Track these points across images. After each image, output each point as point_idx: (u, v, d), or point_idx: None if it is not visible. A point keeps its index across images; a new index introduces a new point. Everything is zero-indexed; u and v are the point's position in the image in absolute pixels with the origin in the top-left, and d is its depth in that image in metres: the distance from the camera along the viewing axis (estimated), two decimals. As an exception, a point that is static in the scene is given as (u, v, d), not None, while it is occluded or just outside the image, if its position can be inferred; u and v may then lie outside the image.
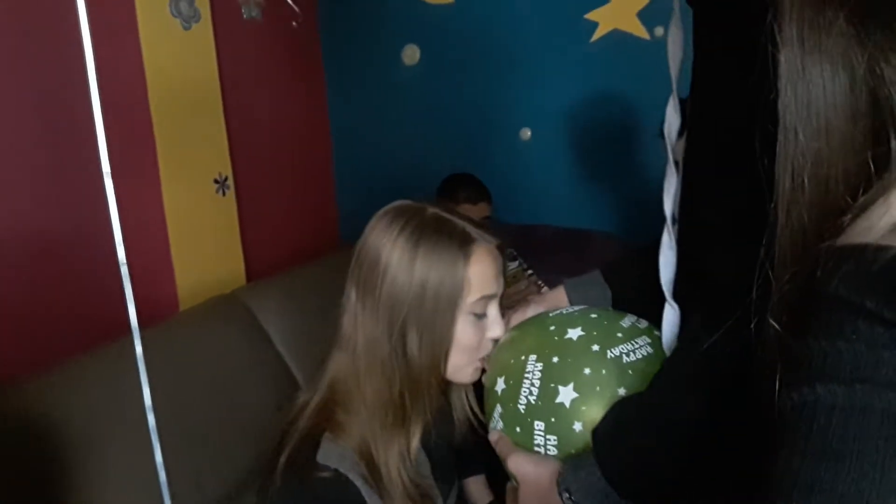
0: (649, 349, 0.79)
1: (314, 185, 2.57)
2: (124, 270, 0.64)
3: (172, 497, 1.01)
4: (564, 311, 0.88)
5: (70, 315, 1.54)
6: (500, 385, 0.82)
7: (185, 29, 1.83)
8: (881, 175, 0.38)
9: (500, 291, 0.93)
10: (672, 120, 0.79)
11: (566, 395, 0.75)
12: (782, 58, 0.41)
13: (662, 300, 0.75)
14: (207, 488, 1.40)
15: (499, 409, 0.82)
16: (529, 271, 2.08)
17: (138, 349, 0.65)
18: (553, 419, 0.75)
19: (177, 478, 1.27)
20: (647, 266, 0.78)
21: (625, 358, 0.77)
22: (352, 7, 2.57)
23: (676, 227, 0.79)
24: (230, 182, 1.99)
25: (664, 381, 0.71)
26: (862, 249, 0.37)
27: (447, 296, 0.86)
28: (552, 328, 0.83)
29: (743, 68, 0.46)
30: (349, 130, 2.68)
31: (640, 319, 0.84)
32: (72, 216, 1.54)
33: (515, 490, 0.78)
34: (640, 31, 2.31)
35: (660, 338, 0.80)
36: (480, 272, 0.88)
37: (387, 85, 2.62)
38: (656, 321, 0.79)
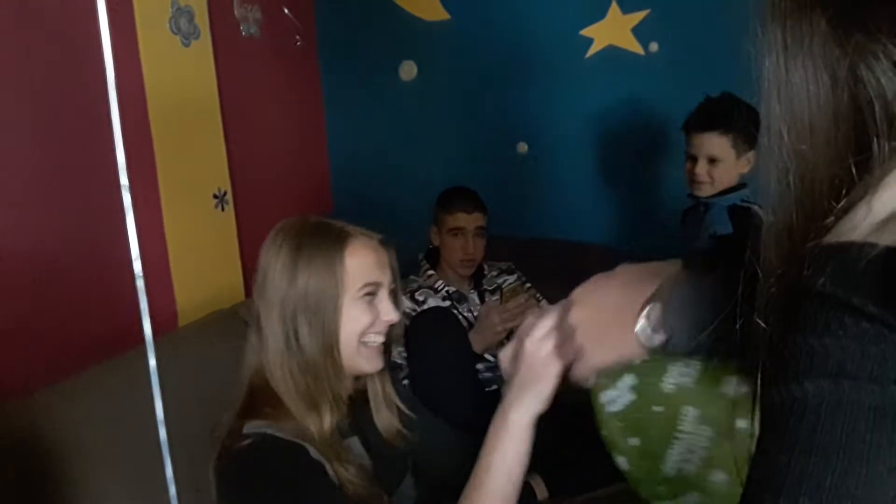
0: None
1: (312, 200, 2.58)
2: (140, 284, 0.64)
3: (174, 512, 1.01)
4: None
5: (75, 329, 1.53)
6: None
7: (185, 46, 1.84)
8: (863, 177, 0.39)
9: (385, 280, 1.05)
10: None
11: None
12: (766, 61, 0.42)
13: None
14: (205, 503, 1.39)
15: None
16: (528, 285, 2.09)
17: (152, 362, 0.65)
18: None
19: (177, 491, 1.26)
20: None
21: None
22: (349, 24, 2.59)
23: None
24: (229, 197, 1.99)
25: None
26: (847, 247, 0.37)
27: (328, 290, 0.99)
28: None
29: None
30: (347, 146, 2.70)
31: None
32: (78, 230, 1.54)
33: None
34: (635, 47, 2.34)
35: None
36: (359, 262, 1.01)
37: (384, 101, 2.64)
38: None
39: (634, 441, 0.78)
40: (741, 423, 0.67)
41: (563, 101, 2.45)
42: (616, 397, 0.77)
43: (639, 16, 2.31)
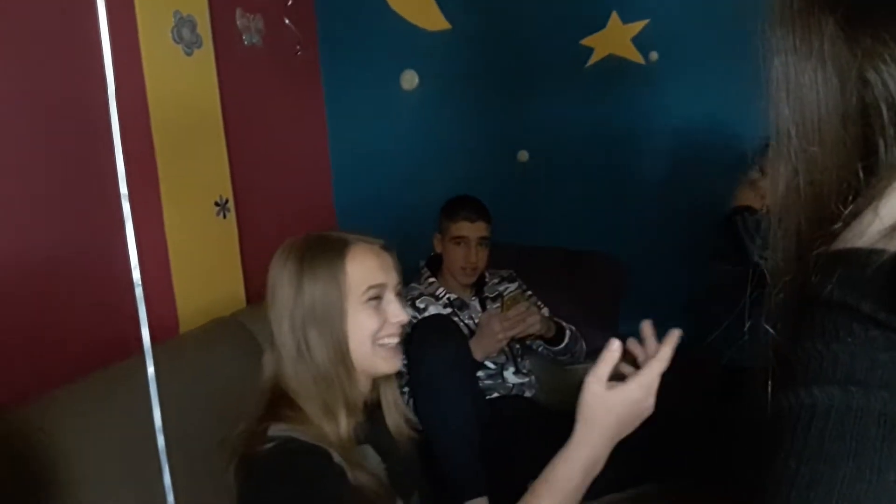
0: None
1: (314, 207, 2.59)
2: (139, 292, 0.64)
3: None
4: None
5: (76, 336, 1.54)
6: None
7: (187, 55, 1.85)
8: (870, 182, 0.39)
9: (391, 281, 1.08)
10: None
11: None
12: (775, 63, 0.42)
13: None
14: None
15: None
16: (529, 292, 2.09)
17: (150, 370, 0.65)
18: None
19: (178, 500, 1.26)
20: None
21: None
22: (351, 33, 2.61)
23: None
24: (231, 205, 2.00)
25: None
26: (855, 254, 0.37)
27: (333, 297, 1.02)
28: None
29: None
30: (349, 154, 2.71)
31: None
32: (79, 238, 1.55)
33: None
34: (636, 56, 2.35)
35: None
36: (361, 266, 1.05)
37: (386, 109, 2.65)
38: None
39: None
40: None
41: (563, 110, 2.45)
42: None
43: (639, 25, 2.32)
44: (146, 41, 1.73)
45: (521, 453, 1.56)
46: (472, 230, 1.95)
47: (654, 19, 2.30)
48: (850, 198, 0.39)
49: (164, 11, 1.77)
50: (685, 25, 2.27)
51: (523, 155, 2.53)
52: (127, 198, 0.62)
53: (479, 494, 1.50)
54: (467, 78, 2.53)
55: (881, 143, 0.38)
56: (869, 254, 0.36)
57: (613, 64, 2.38)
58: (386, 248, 1.11)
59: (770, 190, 0.44)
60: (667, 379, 0.87)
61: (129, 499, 1.19)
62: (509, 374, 1.97)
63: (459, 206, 1.98)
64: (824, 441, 0.35)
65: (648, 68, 2.34)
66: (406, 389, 1.65)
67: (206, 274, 1.91)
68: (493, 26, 2.47)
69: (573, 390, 0.90)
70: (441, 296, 2.00)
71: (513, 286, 2.10)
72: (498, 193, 2.46)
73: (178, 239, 1.82)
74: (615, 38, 2.36)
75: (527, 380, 2.00)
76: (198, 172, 1.90)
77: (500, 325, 1.77)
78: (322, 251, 1.05)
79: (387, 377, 1.13)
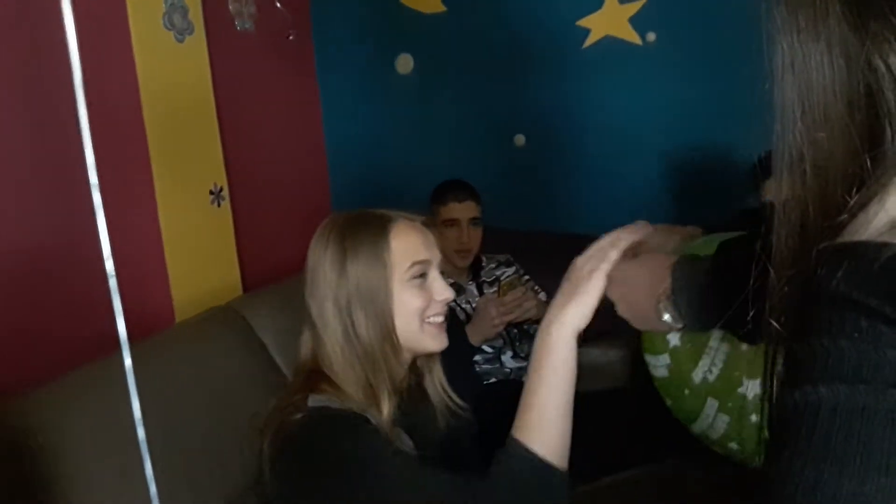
0: None
1: (310, 194, 2.57)
2: (113, 283, 0.64)
3: (170, 510, 1.01)
4: None
5: (65, 330, 1.53)
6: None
7: (179, 41, 1.83)
8: (876, 172, 0.38)
9: (434, 258, 1.06)
10: None
11: None
12: (783, 44, 0.41)
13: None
14: (206, 500, 1.39)
15: None
16: (526, 277, 2.09)
17: (127, 361, 0.65)
18: None
19: (174, 490, 1.26)
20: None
21: None
22: (345, 17, 2.58)
23: None
24: (225, 193, 1.99)
25: None
26: (863, 247, 0.36)
27: (378, 274, 1.00)
28: None
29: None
30: (344, 139, 2.69)
31: None
32: (65, 230, 1.54)
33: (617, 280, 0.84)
34: (633, 37, 2.33)
35: None
36: (404, 243, 1.03)
37: (381, 94, 2.63)
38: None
39: (668, 401, 0.86)
40: (754, 418, 0.82)
41: (560, 93, 2.43)
42: (656, 365, 0.86)
43: (636, 6, 2.29)
44: (137, 28, 1.71)
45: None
46: (462, 211, 1.95)
47: (651, -1, 2.28)
48: (856, 188, 0.38)
49: (155, -2, 1.75)
50: (683, 5, 2.24)
51: (520, 139, 2.51)
52: (97, 187, 0.61)
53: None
54: (463, 61, 2.51)
55: (888, 131, 0.37)
56: (876, 247, 0.35)
57: (610, 45, 2.35)
58: (427, 224, 1.09)
59: (774, 176, 0.43)
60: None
61: (118, 491, 1.19)
62: (507, 359, 1.98)
63: (447, 189, 1.99)
64: (831, 440, 0.35)
65: (646, 49, 2.31)
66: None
67: (202, 263, 1.90)
68: (488, 8, 2.44)
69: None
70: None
71: (510, 270, 2.09)
72: (495, 177, 2.45)
73: (173, 228, 1.81)
74: (612, 19, 2.33)
75: (525, 364, 2.00)
76: (191, 161, 1.88)
77: (497, 310, 1.77)
78: (364, 229, 1.03)
79: (431, 357, 1.11)
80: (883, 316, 0.34)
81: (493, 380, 1.94)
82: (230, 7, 2.12)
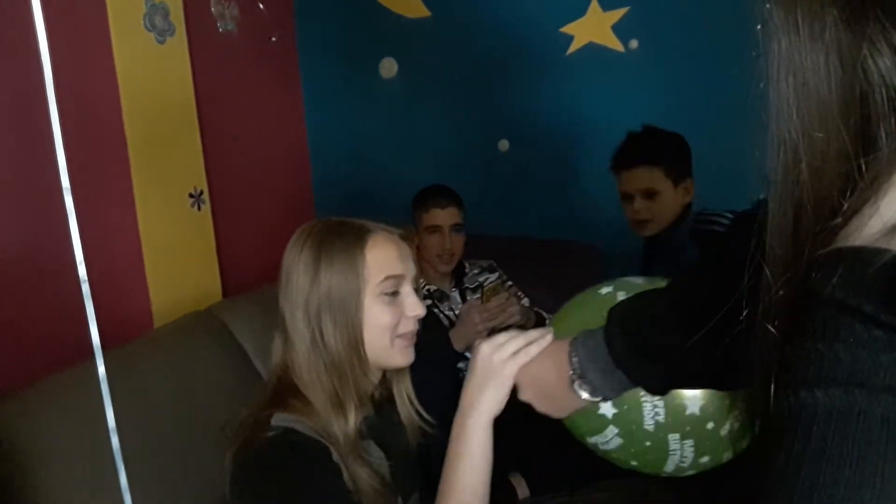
0: None
1: (291, 198, 2.55)
2: (86, 288, 0.62)
3: (146, 519, 0.99)
4: None
5: (42, 335, 1.50)
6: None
7: (160, 43, 1.81)
8: (871, 175, 0.38)
9: (409, 273, 1.05)
10: None
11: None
12: (781, 43, 0.41)
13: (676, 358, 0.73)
14: (183, 509, 1.37)
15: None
16: (509, 283, 2.08)
17: (101, 368, 0.63)
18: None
19: (150, 499, 1.24)
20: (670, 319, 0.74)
21: None
22: (329, 20, 2.57)
23: None
24: (205, 196, 1.97)
25: (683, 279, 0.77)
26: (857, 252, 0.36)
27: (350, 284, 1.00)
28: None
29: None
30: (327, 143, 2.67)
31: None
32: (44, 234, 1.51)
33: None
34: (615, 44, 2.34)
35: None
36: (380, 256, 1.02)
37: (364, 98, 2.62)
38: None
39: (634, 462, 0.91)
40: (710, 425, 0.84)
41: (544, 99, 2.44)
42: (606, 440, 0.87)
43: (619, 13, 2.31)
44: (117, 29, 1.69)
45: (502, 443, 1.56)
46: (444, 217, 1.94)
47: (634, 7, 2.29)
48: (850, 190, 0.38)
49: (135, -2, 1.73)
50: (665, 13, 2.26)
51: (504, 144, 2.51)
52: (69, 191, 0.60)
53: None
54: (447, 66, 2.51)
55: (881, 133, 0.37)
56: (871, 253, 0.35)
57: (593, 52, 2.36)
58: (405, 237, 1.09)
59: (770, 175, 0.43)
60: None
61: (93, 501, 1.17)
62: (490, 365, 1.97)
63: (429, 194, 1.98)
64: (826, 445, 0.35)
65: (628, 56, 2.33)
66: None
67: (181, 267, 1.88)
68: (472, 13, 2.44)
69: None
70: (421, 287, 1.98)
71: (493, 276, 2.09)
72: (478, 183, 2.45)
73: (152, 232, 1.79)
74: (595, 26, 2.35)
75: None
76: (171, 163, 1.86)
77: (481, 316, 1.77)
78: (341, 237, 1.02)
79: (400, 370, 1.10)
80: (877, 321, 0.34)
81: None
82: (212, 9, 2.10)
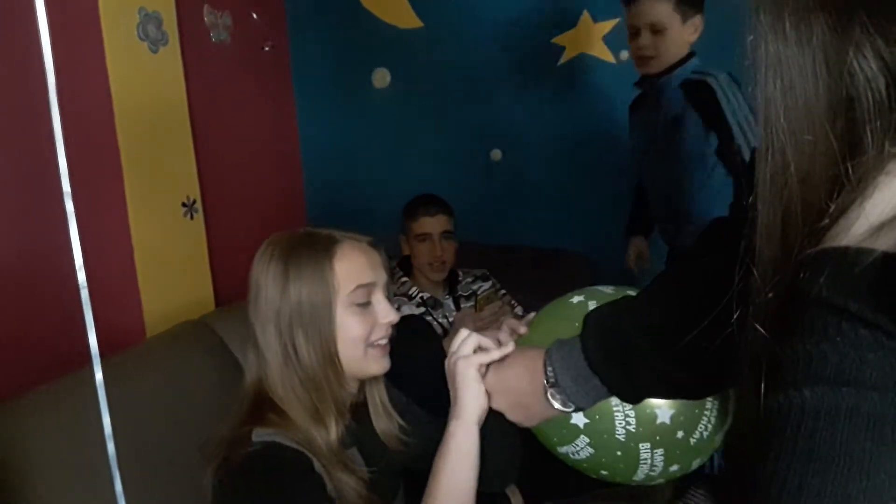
0: None
1: (284, 208, 2.55)
2: (84, 294, 0.62)
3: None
4: None
5: (34, 344, 1.49)
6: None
7: (153, 52, 1.81)
8: (856, 177, 0.38)
9: (380, 280, 1.04)
10: None
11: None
12: (769, 47, 0.41)
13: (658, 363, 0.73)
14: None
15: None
16: (503, 291, 2.09)
17: (98, 376, 0.63)
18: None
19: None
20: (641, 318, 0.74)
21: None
22: (322, 30, 2.58)
23: None
24: (198, 205, 1.96)
25: (657, 287, 0.77)
26: (843, 252, 0.37)
27: (321, 297, 0.98)
28: None
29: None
30: (320, 153, 2.68)
31: None
32: (36, 241, 1.51)
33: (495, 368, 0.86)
34: (606, 55, 2.36)
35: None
36: (349, 266, 1.00)
37: (357, 108, 2.63)
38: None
39: (604, 472, 0.91)
40: (680, 433, 0.84)
41: (535, 109, 2.46)
42: (577, 450, 0.87)
43: (609, 24, 2.33)
44: (110, 38, 1.69)
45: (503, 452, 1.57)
46: (434, 225, 1.95)
47: (625, 18, 2.31)
48: (837, 192, 0.39)
49: (129, 8, 1.73)
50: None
51: (496, 154, 2.52)
52: (70, 196, 0.60)
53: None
54: (439, 76, 2.52)
55: (867, 136, 0.38)
56: (856, 253, 0.36)
57: (585, 62, 2.38)
58: (374, 245, 1.08)
59: (758, 178, 0.43)
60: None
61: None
62: (483, 373, 1.97)
63: (418, 203, 2.00)
64: (814, 443, 0.35)
65: (619, 67, 2.35)
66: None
67: (174, 276, 1.87)
68: (465, 24, 2.46)
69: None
70: (414, 295, 1.99)
71: (486, 285, 2.09)
72: (471, 192, 2.46)
73: (145, 241, 1.78)
74: (586, 37, 2.37)
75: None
76: (164, 173, 1.86)
77: (474, 325, 1.77)
78: (308, 249, 1.01)
79: (374, 378, 1.10)
80: (863, 320, 0.35)
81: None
82: (205, 18, 2.10)
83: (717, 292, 0.50)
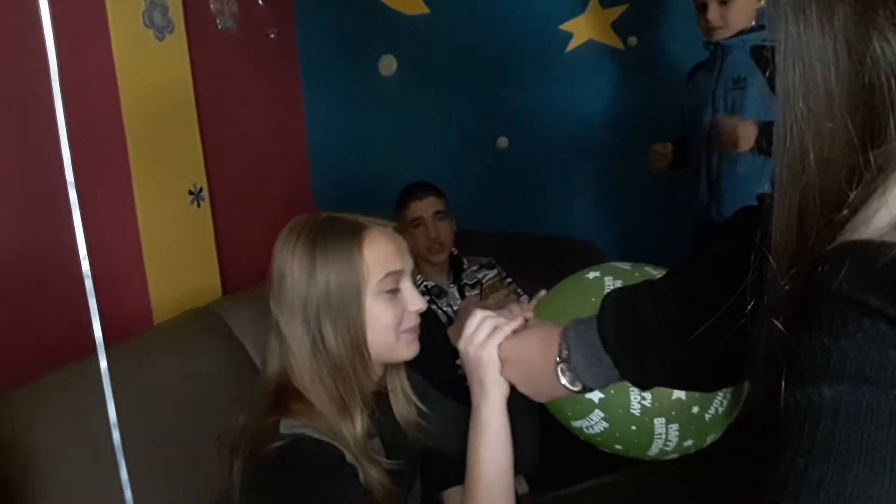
0: None
1: (291, 195, 2.56)
2: (89, 284, 0.62)
3: (146, 515, 0.99)
4: None
5: (40, 332, 1.51)
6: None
7: (159, 40, 1.81)
8: (878, 166, 0.37)
9: (407, 267, 1.01)
10: None
11: None
12: (790, 30, 0.40)
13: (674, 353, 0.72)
14: (183, 505, 1.37)
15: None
16: (508, 280, 2.09)
17: (103, 364, 0.64)
18: None
19: (150, 495, 1.24)
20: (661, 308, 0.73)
21: None
22: (328, 17, 2.57)
23: None
24: (205, 193, 1.97)
25: (678, 275, 0.76)
26: (864, 246, 0.36)
27: (350, 285, 0.95)
28: None
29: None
30: (326, 140, 2.67)
31: None
32: (42, 230, 1.51)
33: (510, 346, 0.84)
34: (615, 41, 2.34)
35: None
36: (378, 253, 0.97)
37: (364, 95, 2.62)
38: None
39: (619, 447, 0.86)
40: (695, 409, 0.83)
41: (543, 96, 2.44)
42: (591, 424, 0.86)
43: (618, 10, 2.31)
44: (116, 26, 1.69)
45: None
46: (424, 207, 1.96)
47: (633, 4, 2.29)
48: (856, 182, 0.38)
49: (134, -5, 1.73)
50: (663, 10, 2.26)
51: (503, 141, 2.51)
52: (73, 185, 0.60)
53: (459, 483, 1.50)
54: (446, 63, 2.51)
55: (890, 125, 0.37)
56: (879, 247, 0.35)
57: (593, 49, 2.36)
58: (398, 230, 1.04)
59: (775, 166, 0.42)
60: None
61: (94, 497, 1.17)
62: (489, 362, 1.97)
63: (407, 191, 2.01)
64: (834, 441, 0.34)
65: (627, 53, 2.33)
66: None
67: (181, 264, 1.88)
68: (472, 11, 2.44)
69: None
70: (419, 283, 1.99)
71: (492, 273, 2.09)
72: (477, 180, 2.45)
73: (152, 229, 1.79)
74: (594, 24, 2.35)
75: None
76: (171, 160, 1.86)
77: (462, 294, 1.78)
78: (335, 235, 0.96)
79: (396, 365, 1.07)
80: (885, 316, 0.34)
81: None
82: (211, 5, 2.09)
83: (736, 286, 0.49)
